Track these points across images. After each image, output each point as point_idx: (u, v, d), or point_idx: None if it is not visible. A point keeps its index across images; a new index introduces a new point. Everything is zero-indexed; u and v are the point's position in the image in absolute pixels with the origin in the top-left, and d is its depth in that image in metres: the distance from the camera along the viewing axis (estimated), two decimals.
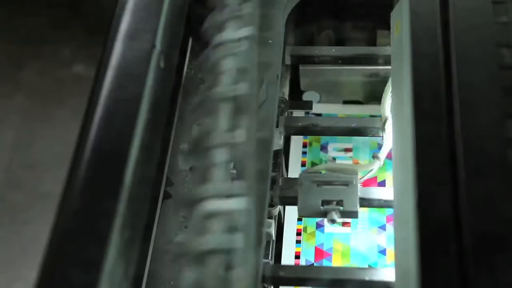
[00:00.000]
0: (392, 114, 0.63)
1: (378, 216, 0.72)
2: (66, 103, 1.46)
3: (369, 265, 0.69)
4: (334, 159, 0.76)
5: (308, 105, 0.76)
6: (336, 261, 0.70)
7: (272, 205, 0.64)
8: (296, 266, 0.68)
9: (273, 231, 0.64)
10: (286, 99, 0.74)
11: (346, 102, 0.81)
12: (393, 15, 0.65)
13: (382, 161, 0.70)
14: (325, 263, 0.70)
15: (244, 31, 0.62)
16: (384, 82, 0.72)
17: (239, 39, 0.61)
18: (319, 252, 0.70)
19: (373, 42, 0.81)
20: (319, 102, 0.81)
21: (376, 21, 0.80)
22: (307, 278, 0.59)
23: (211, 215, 0.53)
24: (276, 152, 0.67)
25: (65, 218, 0.50)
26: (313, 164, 0.77)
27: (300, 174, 0.65)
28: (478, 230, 0.48)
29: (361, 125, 0.69)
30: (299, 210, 0.63)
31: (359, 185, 0.62)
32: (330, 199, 0.62)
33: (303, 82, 0.80)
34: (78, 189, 0.51)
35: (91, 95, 0.56)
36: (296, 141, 0.79)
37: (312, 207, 0.62)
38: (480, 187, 0.49)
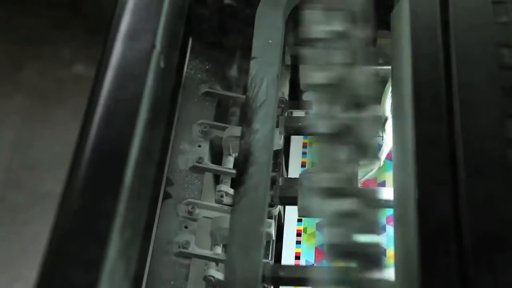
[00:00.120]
0: (392, 114, 0.63)
1: None
2: (66, 103, 1.46)
3: None
4: None
5: (308, 105, 0.75)
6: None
7: (272, 205, 0.64)
8: (296, 266, 0.68)
9: (273, 231, 0.64)
10: (286, 99, 0.74)
11: None
12: (393, 15, 0.65)
13: (382, 161, 0.70)
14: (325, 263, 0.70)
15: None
16: (384, 82, 0.72)
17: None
18: (319, 253, 0.70)
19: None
20: None
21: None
22: (307, 278, 0.59)
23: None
24: (276, 152, 0.67)
25: (65, 218, 0.50)
26: (313, 164, 0.76)
27: (300, 174, 0.65)
28: (478, 230, 0.48)
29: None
30: (299, 210, 0.63)
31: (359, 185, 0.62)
32: None
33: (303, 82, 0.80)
34: (78, 189, 0.51)
35: (91, 95, 0.56)
36: (296, 141, 0.78)
37: (312, 207, 0.62)
38: (480, 187, 0.49)
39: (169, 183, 0.67)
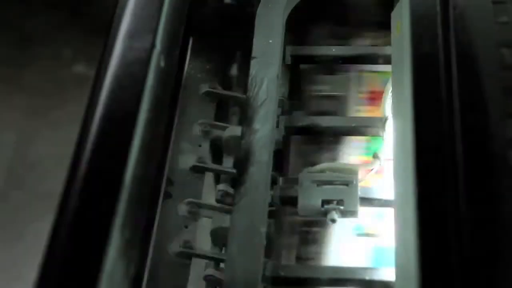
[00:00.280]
0: (392, 114, 0.63)
1: None
2: (67, 103, 1.46)
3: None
4: None
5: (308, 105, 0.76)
6: None
7: (272, 204, 0.64)
8: (296, 266, 0.68)
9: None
10: (286, 99, 0.74)
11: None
12: (393, 15, 0.65)
13: (382, 160, 0.70)
14: None
15: None
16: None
17: None
18: None
19: None
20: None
21: None
22: (307, 278, 0.59)
23: None
24: (277, 152, 0.67)
25: (65, 218, 0.50)
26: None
27: (300, 174, 0.65)
28: (478, 229, 0.48)
29: (361, 124, 0.69)
30: (299, 210, 0.63)
31: (359, 184, 0.62)
32: (330, 198, 0.62)
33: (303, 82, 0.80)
34: (78, 189, 0.51)
35: (91, 95, 0.56)
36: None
37: (313, 207, 0.62)
38: (480, 187, 0.49)
39: (169, 182, 0.67)
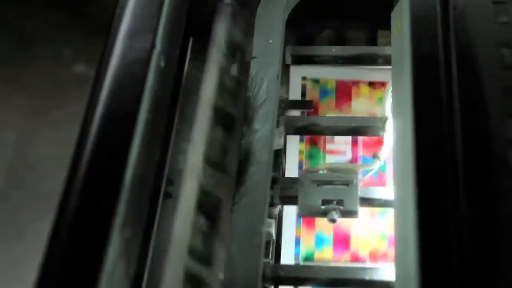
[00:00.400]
0: (392, 114, 0.63)
1: None
2: (67, 103, 1.46)
3: None
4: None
5: (308, 105, 0.76)
6: None
7: (272, 204, 0.64)
8: (296, 266, 0.68)
9: (273, 230, 0.64)
10: (286, 99, 0.74)
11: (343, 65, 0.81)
12: (393, 15, 0.65)
13: (382, 160, 0.70)
14: None
15: None
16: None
17: None
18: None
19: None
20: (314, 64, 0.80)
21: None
22: (307, 278, 0.59)
23: None
24: (277, 152, 0.67)
25: (65, 218, 0.50)
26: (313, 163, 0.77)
27: (300, 174, 0.65)
28: (478, 229, 0.48)
29: (361, 124, 0.69)
30: (299, 210, 0.63)
31: (359, 184, 0.62)
32: (330, 198, 0.62)
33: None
34: (78, 189, 0.51)
35: (91, 95, 0.56)
36: (293, 141, 0.78)
37: (312, 207, 0.62)
38: (480, 187, 0.49)
39: (169, 182, 0.67)
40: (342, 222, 0.71)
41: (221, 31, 0.67)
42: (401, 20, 0.61)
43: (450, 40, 0.56)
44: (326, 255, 0.71)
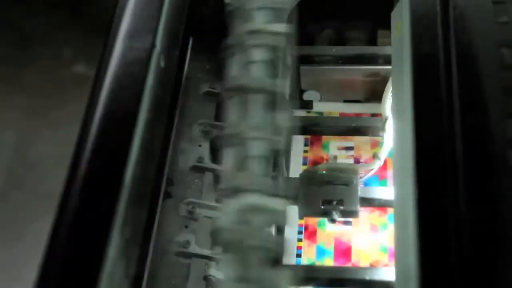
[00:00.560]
0: (392, 114, 0.63)
1: None
2: (67, 103, 1.46)
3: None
4: (335, 157, 0.76)
5: (308, 105, 0.76)
6: None
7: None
8: (297, 266, 0.68)
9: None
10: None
11: (346, 101, 0.81)
12: (393, 15, 0.65)
13: (382, 160, 0.70)
14: None
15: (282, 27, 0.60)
16: (384, 82, 0.72)
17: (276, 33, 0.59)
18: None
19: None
20: (320, 101, 0.81)
21: None
22: (307, 278, 0.59)
23: (254, 210, 0.52)
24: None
25: (65, 218, 0.50)
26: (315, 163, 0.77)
27: (301, 174, 0.65)
28: (478, 229, 0.48)
29: (362, 124, 0.69)
30: (299, 210, 0.63)
31: (359, 184, 0.62)
32: (331, 198, 0.62)
33: (304, 82, 0.80)
34: (78, 189, 0.51)
35: (91, 95, 0.56)
36: (297, 141, 0.79)
37: (313, 207, 0.62)
38: (480, 187, 0.49)
39: (169, 183, 0.67)
40: (344, 234, 0.71)
41: None
42: (401, 20, 0.61)
43: (450, 40, 0.56)
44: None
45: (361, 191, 0.62)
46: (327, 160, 0.77)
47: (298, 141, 0.79)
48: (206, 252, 0.63)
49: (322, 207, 0.62)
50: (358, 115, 0.78)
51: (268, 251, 0.50)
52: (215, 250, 0.64)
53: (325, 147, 0.78)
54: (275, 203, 0.52)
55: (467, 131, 0.51)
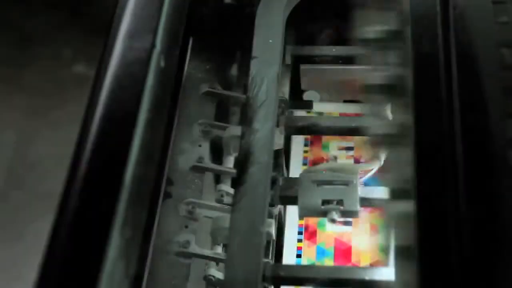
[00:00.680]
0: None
1: None
2: (67, 103, 1.46)
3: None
4: (335, 157, 0.77)
5: (308, 105, 0.76)
6: None
7: (272, 204, 0.64)
8: (296, 266, 0.68)
9: (273, 230, 0.64)
10: (286, 99, 0.74)
11: (346, 101, 0.81)
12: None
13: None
14: None
15: None
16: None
17: None
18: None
19: None
20: (320, 101, 0.81)
21: None
22: (307, 278, 0.59)
23: None
24: (277, 152, 0.67)
25: (65, 218, 0.50)
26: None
27: (301, 174, 0.65)
28: (478, 229, 0.48)
29: (361, 124, 0.69)
30: (299, 210, 0.63)
31: (359, 184, 0.62)
32: (331, 198, 0.62)
33: (304, 82, 0.80)
34: (78, 189, 0.51)
35: (91, 95, 0.56)
36: (297, 141, 0.79)
37: (313, 207, 0.62)
38: (480, 187, 0.49)
39: (169, 182, 0.67)
40: (344, 235, 0.71)
41: None
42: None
43: (450, 40, 0.56)
44: None
45: (361, 191, 0.62)
46: (327, 160, 0.77)
47: (298, 141, 0.79)
48: (206, 252, 0.63)
49: (322, 207, 0.62)
50: (358, 115, 0.78)
51: None
52: (215, 250, 0.64)
53: (325, 147, 0.78)
54: None
55: (467, 131, 0.51)
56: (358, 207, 0.62)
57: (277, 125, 0.67)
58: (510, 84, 0.53)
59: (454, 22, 0.57)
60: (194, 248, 0.63)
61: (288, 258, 0.70)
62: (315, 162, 0.77)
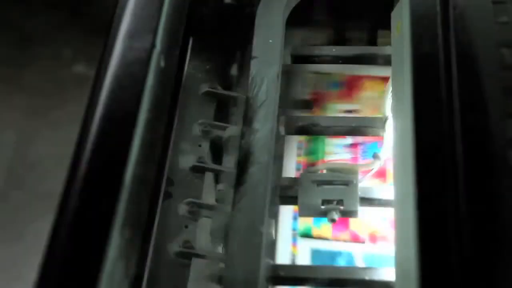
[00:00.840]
0: (392, 114, 0.63)
1: None
2: (67, 103, 1.46)
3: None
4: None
5: (308, 105, 0.75)
6: None
7: (272, 204, 0.64)
8: (296, 266, 0.68)
9: (273, 230, 0.64)
10: (286, 99, 0.74)
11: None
12: (393, 15, 0.65)
13: (382, 160, 0.70)
14: None
15: None
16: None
17: None
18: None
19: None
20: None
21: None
22: (307, 278, 0.59)
23: None
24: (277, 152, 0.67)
25: (65, 218, 0.50)
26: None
27: (301, 174, 0.65)
28: (478, 230, 0.48)
29: (361, 124, 0.69)
30: (299, 210, 0.63)
31: (359, 184, 0.62)
32: (330, 198, 0.62)
33: (304, 82, 0.80)
34: (78, 189, 0.51)
35: (91, 95, 0.56)
36: (290, 141, 0.78)
37: (312, 207, 0.62)
38: (480, 187, 0.49)
39: (170, 182, 0.67)
40: None
41: None
42: (401, 20, 0.61)
43: (450, 40, 0.56)
44: (324, 232, 0.71)
45: (361, 191, 0.62)
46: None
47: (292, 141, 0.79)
48: (206, 252, 0.63)
49: (322, 207, 0.62)
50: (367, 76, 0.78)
51: None
52: (215, 250, 0.64)
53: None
54: None
55: (467, 131, 0.51)
56: (358, 207, 0.62)
57: (277, 125, 0.67)
58: (510, 84, 0.53)
59: (454, 22, 0.57)
60: (194, 248, 0.63)
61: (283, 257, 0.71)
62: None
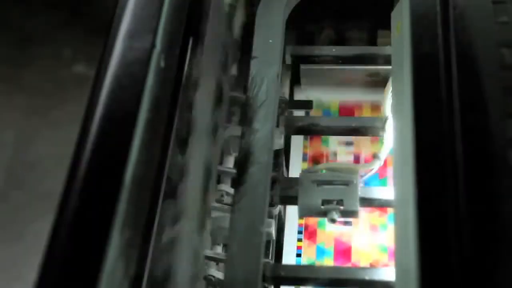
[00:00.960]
0: (392, 114, 0.63)
1: None
2: (67, 103, 1.46)
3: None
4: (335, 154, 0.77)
5: (308, 105, 0.76)
6: None
7: (272, 204, 0.64)
8: (296, 266, 0.68)
9: (273, 230, 0.64)
10: (286, 99, 0.74)
11: None
12: (393, 15, 0.65)
13: (382, 160, 0.70)
14: None
15: None
16: (384, 82, 0.72)
17: None
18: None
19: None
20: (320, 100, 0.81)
21: None
22: (307, 278, 0.59)
23: None
24: (277, 152, 0.67)
25: (65, 218, 0.50)
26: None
27: (300, 174, 0.65)
28: (478, 230, 0.48)
29: (362, 124, 0.69)
30: (299, 210, 0.63)
31: (359, 184, 0.62)
32: (330, 198, 0.62)
33: (304, 82, 0.80)
34: (78, 189, 0.51)
35: (91, 95, 0.56)
36: (297, 141, 0.79)
37: (312, 207, 0.62)
38: (480, 187, 0.49)
39: (169, 183, 0.67)
40: (343, 235, 0.71)
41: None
42: (401, 20, 0.61)
43: (450, 40, 0.56)
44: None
45: (361, 191, 0.62)
46: (327, 156, 0.77)
47: (298, 141, 0.79)
48: (206, 252, 0.63)
49: (322, 207, 0.62)
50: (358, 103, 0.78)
51: None
52: (215, 250, 0.64)
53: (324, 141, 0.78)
54: None
55: (467, 131, 0.51)
56: (358, 207, 0.62)
57: (277, 125, 0.67)
58: (510, 84, 0.53)
59: (454, 22, 0.57)
60: None
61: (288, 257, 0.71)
62: (315, 158, 0.77)
